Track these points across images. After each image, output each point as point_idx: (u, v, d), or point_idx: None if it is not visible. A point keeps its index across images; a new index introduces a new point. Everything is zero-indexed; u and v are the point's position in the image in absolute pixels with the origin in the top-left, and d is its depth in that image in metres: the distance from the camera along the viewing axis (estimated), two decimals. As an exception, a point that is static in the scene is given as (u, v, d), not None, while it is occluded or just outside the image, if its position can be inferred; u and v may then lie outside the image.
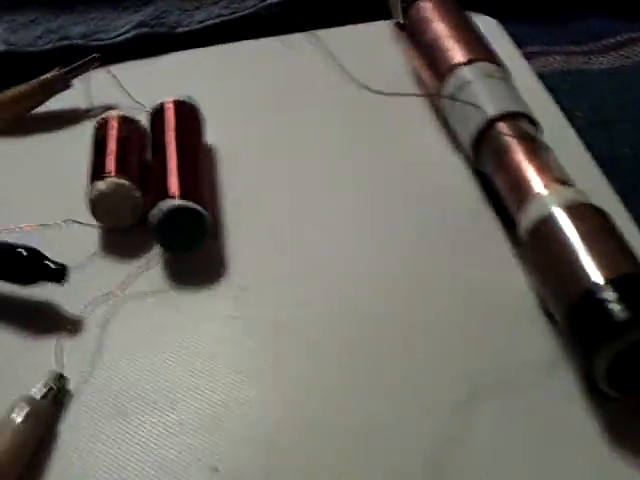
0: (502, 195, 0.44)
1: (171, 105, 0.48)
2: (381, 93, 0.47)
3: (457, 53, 0.49)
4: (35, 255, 0.41)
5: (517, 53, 0.56)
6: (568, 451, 0.35)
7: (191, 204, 0.42)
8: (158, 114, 0.48)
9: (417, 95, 0.51)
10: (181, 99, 0.49)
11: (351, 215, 0.46)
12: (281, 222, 0.46)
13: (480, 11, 0.58)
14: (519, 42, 0.57)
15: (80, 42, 0.59)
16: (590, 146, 0.49)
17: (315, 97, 0.53)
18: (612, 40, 0.58)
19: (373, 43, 0.57)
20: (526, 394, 0.37)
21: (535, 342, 0.39)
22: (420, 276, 0.43)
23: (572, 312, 0.36)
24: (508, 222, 0.43)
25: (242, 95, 0.54)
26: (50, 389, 0.38)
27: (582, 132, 0.50)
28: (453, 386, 0.38)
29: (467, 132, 0.46)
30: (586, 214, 0.39)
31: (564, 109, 0.52)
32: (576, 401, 0.37)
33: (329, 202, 0.47)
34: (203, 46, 0.58)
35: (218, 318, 0.42)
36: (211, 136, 0.50)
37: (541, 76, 0.55)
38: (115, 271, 0.44)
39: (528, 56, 0.56)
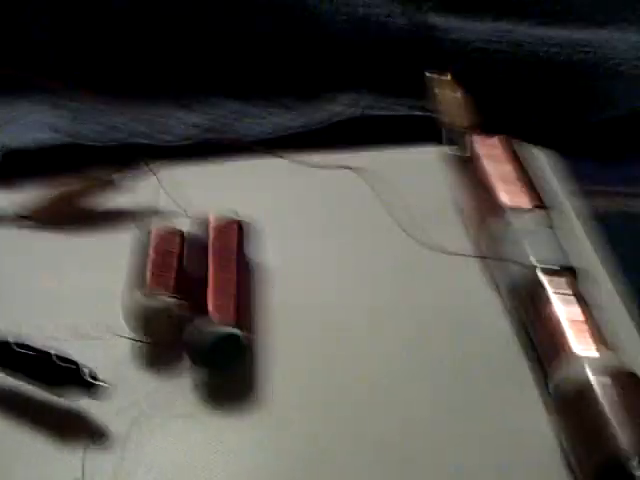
0: (536, 345, 0.44)
1: (215, 219, 0.49)
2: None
3: (508, 196, 0.49)
4: (69, 362, 0.41)
5: (574, 192, 0.56)
6: None
7: (229, 328, 0.43)
8: (203, 227, 0.49)
9: (469, 256, 0.50)
10: (227, 214, 0.49)
11: (391, 355, 0.46)
12: (321, 351, 0.46)
13: (540, 144, 0.59)
14: (579, 179, 0.58)
15: (136, 141, 0.60)
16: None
17: (368, 226, 0.54)
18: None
19: (422, 167, 0.57)
20: None
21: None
22: (443, 404, 0.43)
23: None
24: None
25: (296, 211, 0.55)
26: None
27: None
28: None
29: (506, 280, 0.46)
30: (623, 382, 0.39)
31: (620, 255, 0.51)
32: None
33: (369, 340, 0.47)
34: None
35: (248, 448, 0.41)
36: (262, 252, 0.51)
37: (598, 217, 0.54)
38: (145, 385, 0.44)
39: (586, 195, 0.56)
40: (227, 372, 0.44)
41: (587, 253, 0.51)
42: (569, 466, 0.39)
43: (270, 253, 0.51)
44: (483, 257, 0.48)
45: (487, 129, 0.55)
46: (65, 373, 0.41)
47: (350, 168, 0.44)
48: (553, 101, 0.63)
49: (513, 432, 0.41)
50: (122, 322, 0.45)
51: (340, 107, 0.61)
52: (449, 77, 0.59)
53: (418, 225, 0.49)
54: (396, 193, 0.53)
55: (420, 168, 0.57)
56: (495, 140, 0.53)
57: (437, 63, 0.61)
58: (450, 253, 0.46)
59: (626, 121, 0.62)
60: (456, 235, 0.52)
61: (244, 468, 0.40)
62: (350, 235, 0.53)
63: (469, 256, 0.49)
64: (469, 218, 0.52)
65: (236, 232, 0.49)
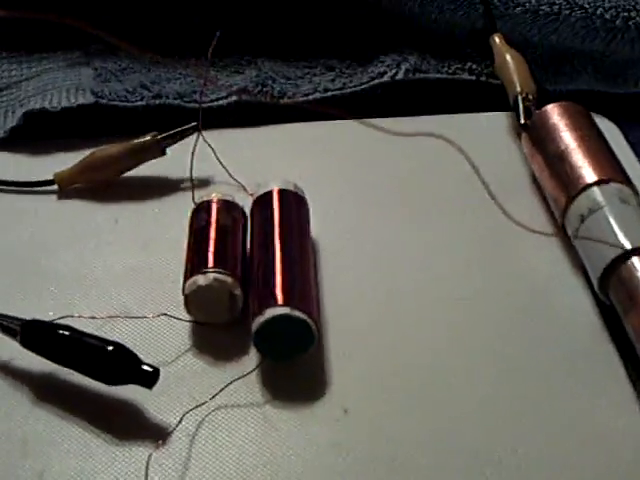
0: (632, 336, 0.40)
1: (277, 194, 0.45)
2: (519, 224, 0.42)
3: (588, 171, 0.46)
4: (127, 355, 0.38)
5: (635, 161, 0.53)
6: None
7: (298, 313, 0.39)
8: (262, 202, 0.45)
9: (549, 235, 0.47)
10: (288, 188, 0.45)
11: (458, 329, 0.43)
12: (387, 333, 0.43)
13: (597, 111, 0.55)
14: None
15: (175, 102, 0.55)
16: None
17: (429, 192, 0.50)
18: None
19: (489, 135, 0.54)
20: None
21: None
22: (527, 400, 0.40)
23: None
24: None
25: (347, 179, 0.52)
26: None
27: None
28: None
29: (595, 262, 0.43)
30: None
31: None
32: None
33: (436, 313, 0.44)
34: (305, 118, 0.55)
35: (316, 443, 0.38)
36: (326, 229, 0.47)
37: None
38: (207, 373, 0.41)
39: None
40: (294, 359, 0.40)
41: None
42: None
43: (334, 228, 0.48)
44: (569, 236, 0.45)
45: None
46: (123, 369, 0.38)
47: (433, 135, 0.40)
48: (609, 68, 0.60)
49: (599, 432, 0.38)
50: (178, 303, 0.42)
51: (383, 69, 0.57)
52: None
53: (495, 197, 0.46)
54: (465, 160, 0.50)
55: (488, 135, 0.54)
56: (569, 108, 0.50)
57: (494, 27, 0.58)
58: (535, 231, 0.42)
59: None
60: (533, 209, 0.49)
61: (310, 463, 0.37)
62: (420, 207, 0.50)
63: (554, 236, 0.46)
64: (546, 191, 0.48)
65: (300, 208, 0.45)
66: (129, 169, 0.51)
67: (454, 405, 0.40)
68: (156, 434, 0.38)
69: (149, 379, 0.38)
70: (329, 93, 0.57)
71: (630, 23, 0.57)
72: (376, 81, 0.57)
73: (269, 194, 0.45)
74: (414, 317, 0.44)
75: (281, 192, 0.45)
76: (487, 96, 0.56)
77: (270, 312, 0.39)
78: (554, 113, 0.50)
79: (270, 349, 0.40)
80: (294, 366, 0.41)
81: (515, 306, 0.44)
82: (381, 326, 0.43)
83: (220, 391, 0.39)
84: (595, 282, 0.43)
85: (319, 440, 0.38)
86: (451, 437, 0.38)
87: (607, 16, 0.57)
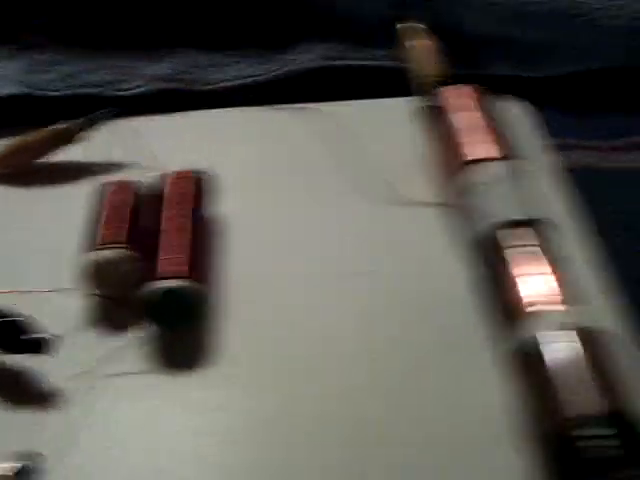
0: (497, 303, 0.43)
1: (175, 174, 0.48)
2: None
3: (474, 148, 0.48)
4: (19, 325, 0.40)
5: (548, 145, 0.55)
6: None
7: (183, 283, 0.42)
8: (161, 182, 0.48)
9: (427, 204, 0.49)
10: (188, 168, 0.48)
11: (350, 300, 0.45)
12: (284, 304, 0.45)
13: (520, 95, 0.58)
14: (554, 132, 0.56)
15: (98, 91, 0.58)
16: (612, 244, 0.48)
17: (330, 174, 0.52)
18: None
19: (393, 118, 0.55)
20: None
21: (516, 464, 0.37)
22: (406, 383, 0.41)
23: (554, 444, 0.35)
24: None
25: (256, 162, 0.54)
26: (24, 467, 0.37)
27: (605, 232, 0.49)
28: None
29: (472, 233, 0.45)
30: (584, 342, 0.38)
31: (589, 207, 0.50)
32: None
33: (329, 286, 0.46)
34: (226, 106, 0.57)
35: (202, 408, 0.40)
36: (221, 203, 0.49)
37: (571, 170, 0.53)
38: (102, 343, 0.43)
39: (561, 148, 0.55)
40: (180, 327, 0.43)
41: (557, 206, 0.50)
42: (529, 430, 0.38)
43: (231, 205, 0.50)
44: (442, 205, 0.47)
45: (459, 81, 0.54)
46: (9, 327, 0.40)
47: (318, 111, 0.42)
48: (528, 52, 0.61)
49: (468, 392, 0.40)
50: (76, 277, 0.44)
51: (307, 57, 0.59)
52: (421, 27, 0.57)
53: (386, 176, 0.48)
54: (366, 144, 0.52)
55: (390, 119, 0.55)
56: (464, 90, 0.52)
57: (406, 13, 0.59)
58: (413, 204, 0.44)
59: (603, 74, 0.60)
60: (424, 187, 0.50)
61: (195, 424, 0.40)
62: (315, 186, 0.52)
63: (427, 204, 0.48)
64: (437, 170, 0.51)
65: (194, 184, 0.48)
66: (46, 155, 0.53)
67: (341, 373, 0.42)
68: (46, 399, 0.40)
69: (40, 347, 0.40)
70: (249, 79, 0.59)
71: (539, 9, 0.59)
72: (294, 68, 0.59)
73: (168, 174, 0.48)
74: (307, 290, 0.46)
75: (180, 172, 0.48)
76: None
77: (159, 283, 0.42)
78: (450, 95, 0.52)
79: (160, 318, 0.42)
80: (185, 335, 0.43)
81: (405, 279, 0.46)
82: (275, 298, 0.45)
83: (109, 358, 0.41)
84: (470, 253, 0.45)
85: (204, 403, 0.40)
86: (335, 403, 0.40)
87: (519, 2, 0.60)
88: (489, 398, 0.40)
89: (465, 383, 0.41)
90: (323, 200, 0.51)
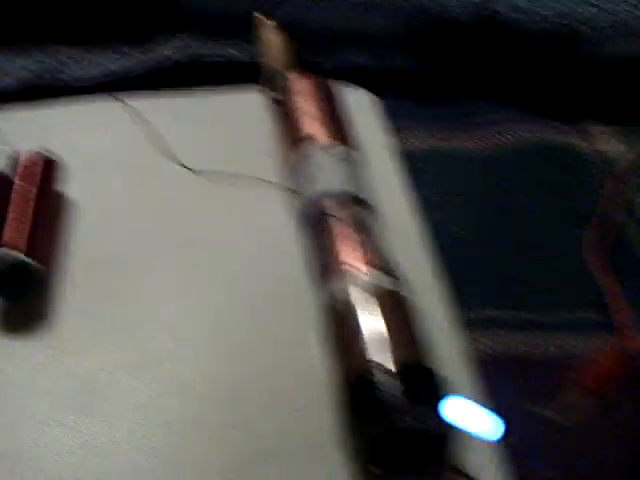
0: (319, 266, 0.47)
1: (24, 157, 0.51)
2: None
3: (312, 131, 0.52)
4: None
5: (385, 129, 0.59)
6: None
7: (18, 257, 0.44)
8: (11, 165, 0.51)
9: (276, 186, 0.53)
10: (35, 151, 0.51)
11: (190, 270, 0.49)
12: (118, 281, 0.48)
13: (364, 85, 0.62)
14: (395, 118, 0.60)
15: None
16: (436, 224, 0.52)
17: (180, 157, 0.55)
18: (483, 122, 0.61)
19: (241, 107, 0.59)
20: (304, 461, 0.40)
21: (321, 413, 0.41)
22: (236, 346, 0.45)
23: (351, 390, 0.39)
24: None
25: (105, 151, 0.56)
26: None
27: (432, 211, 0.53)
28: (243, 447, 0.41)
29: (300, 206, 0.49)
30: (387, 300, 0.42)
31: (421, 188, 0.54)
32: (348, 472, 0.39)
33: (169, 256, 0.50)
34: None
35: (31, 367, 0.44)
36: (69, 187, 0.53)
37: (407, 153, 0.57)
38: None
39: (398, 133, 0.59)
40: (18, 299, 0.46)
41: (389, 185, 0.54)
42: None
43: (80, 190, 0.53)
44: (281, 183, 0.51)
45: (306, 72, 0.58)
46: None
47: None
48: (370, 44, 0.65)
49: (285, 342, 0.45)
50: None
51: (169, 51, 0.63)
52: (272, 23, 0.61)
53: (232, 158, 0.53)
54: (216, 131, 0.56)
55: (240, 109, 0.59)
56: (306, 79, 0.56)
57: (265, 8, 0.63)
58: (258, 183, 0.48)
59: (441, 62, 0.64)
60: (267, 167, 0.54)
61: (30, 387, 0.43)
62: (162, 172, 0.55)
63: (269, 182, 0.52)
64: (279, 151, 0.54)
65: (42, 168, 0.50)
66: None
67: (174, 334, 0.46)
68: None
69: None
70: (110, 75, 0.62)
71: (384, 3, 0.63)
72: (154, 62, 0.62)
73: (16, 156, 0.51)
74: (147, 260, 0.50)
75: (28, 155, 0.51)
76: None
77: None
78: (294, 84, 0.56)
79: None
80: (21, 304, 0.46)
81: (243, 252, 0.50)
82: (114, 274, 0.49)
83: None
84: (300, 222, 0.49)
85: (32, 363, 0.44)
86: (160, 362, 0.44)
87: None
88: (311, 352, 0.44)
89: (289, 336, 0.45)
90: (169, 184, 0.54)
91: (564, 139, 0.59)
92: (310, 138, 0.51)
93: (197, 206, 0.53)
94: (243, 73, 0.63)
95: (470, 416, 0.38)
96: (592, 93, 0.61)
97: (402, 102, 0.62)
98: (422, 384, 0.38)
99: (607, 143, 0.59)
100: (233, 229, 0.51)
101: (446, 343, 0.44)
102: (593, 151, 0.58)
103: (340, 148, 0.51)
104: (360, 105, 0.59)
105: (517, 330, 0.47)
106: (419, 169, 0.56)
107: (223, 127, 0.57)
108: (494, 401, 0.42)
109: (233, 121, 0.58)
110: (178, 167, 0.54)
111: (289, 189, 0.51)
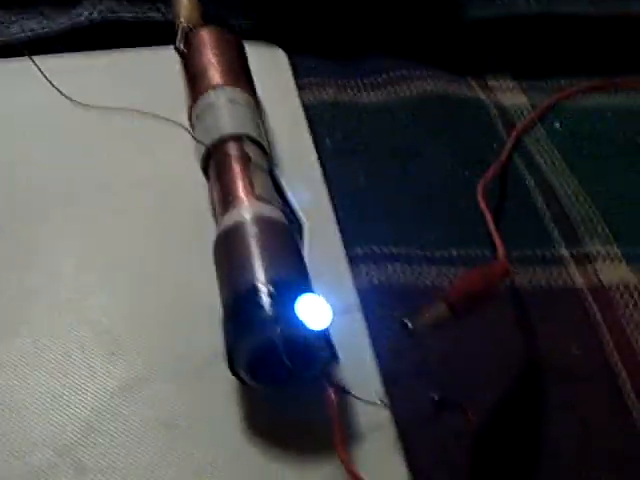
0: (216, 200, 0.48)
1: None
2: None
3: (211, 79, 0.53)
4: None
5: (291, 83, 0.61)
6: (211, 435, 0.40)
7: None
8: None
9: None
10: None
11: (100, 215, 0.51)
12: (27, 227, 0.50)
13: (277, 43, 0.64)
14: (303, 73, 0.63)
15: None
16: (335, 172, 0.54)
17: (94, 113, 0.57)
18: (385, 77, 0.63)
19: (155, 66, 0.61)
20: (191, 380, 0.42)
21: (207, 335, 0.43)
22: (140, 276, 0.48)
23: (228, 307, 0.41)
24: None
25: (29, 110, 0.58)
26: None
27: (332, 160, 0.55)
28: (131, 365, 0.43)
29: (200, 149, 0.51)
30: (268, 227, 0.43)
31: (321, 138, 0.57)
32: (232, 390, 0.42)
33: (81, 204, 0.52)
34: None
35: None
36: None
37: (311, 106, 0.60)
38: None
39: (303, 86, 0.61)
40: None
41: (295, 136, 0.56)
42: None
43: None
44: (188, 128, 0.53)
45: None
46: None
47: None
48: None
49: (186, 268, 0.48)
50: None
51: (84, 11, 0.64)
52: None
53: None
54: (125, 91, 0.58)
55: (155, 68, 0.61)
56: (211, 33, 0.57)
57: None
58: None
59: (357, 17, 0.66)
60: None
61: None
62: (83, 125, 0.57)
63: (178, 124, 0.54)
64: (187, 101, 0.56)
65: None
66: None
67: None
68: None
69: None
70: (32, 35, 0.64)
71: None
72: (74, 21, 0.64)
73: None
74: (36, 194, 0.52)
75: None
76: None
77: None
78: (201, 37, 0.57)
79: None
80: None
81: (150, 197, 0.52)
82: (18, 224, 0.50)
83: None
84: (201, 163, 0.51)
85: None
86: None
87: None
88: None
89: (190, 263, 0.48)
90: (86, 135, 0.56)
91: (466, 92, 0.61)
92: (212, 86, 0.53)
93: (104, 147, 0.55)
94: (161, 34, 0.64)
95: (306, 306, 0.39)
96: (496, 48, 0.63)
97: (309, 59, 0.64)
98: (296, 300, 0.39)
99: (509, 96, 0.61)
100: (142, 169, 0.53)
101: (331, 274, 0.45)
102: (494, 103, 0.60)
103: (240, 94, 0.53)
104: (268, 59, 0.62)
105: (406, 264, 0.49)
106: (324, 120, 0.59)
107: (137, 86, 0.59)
108: (370, 326, 0.44)
109: (148, 80, 0.60)
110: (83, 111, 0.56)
111: (191, 134, 0.52)
